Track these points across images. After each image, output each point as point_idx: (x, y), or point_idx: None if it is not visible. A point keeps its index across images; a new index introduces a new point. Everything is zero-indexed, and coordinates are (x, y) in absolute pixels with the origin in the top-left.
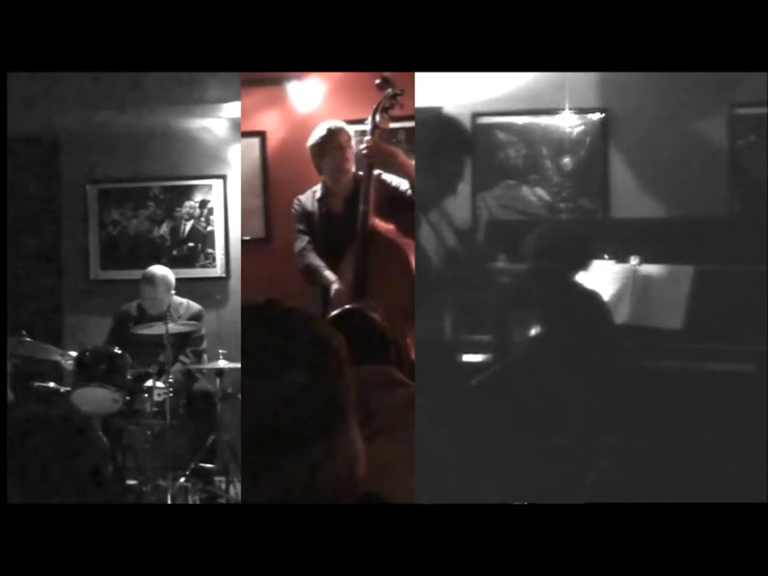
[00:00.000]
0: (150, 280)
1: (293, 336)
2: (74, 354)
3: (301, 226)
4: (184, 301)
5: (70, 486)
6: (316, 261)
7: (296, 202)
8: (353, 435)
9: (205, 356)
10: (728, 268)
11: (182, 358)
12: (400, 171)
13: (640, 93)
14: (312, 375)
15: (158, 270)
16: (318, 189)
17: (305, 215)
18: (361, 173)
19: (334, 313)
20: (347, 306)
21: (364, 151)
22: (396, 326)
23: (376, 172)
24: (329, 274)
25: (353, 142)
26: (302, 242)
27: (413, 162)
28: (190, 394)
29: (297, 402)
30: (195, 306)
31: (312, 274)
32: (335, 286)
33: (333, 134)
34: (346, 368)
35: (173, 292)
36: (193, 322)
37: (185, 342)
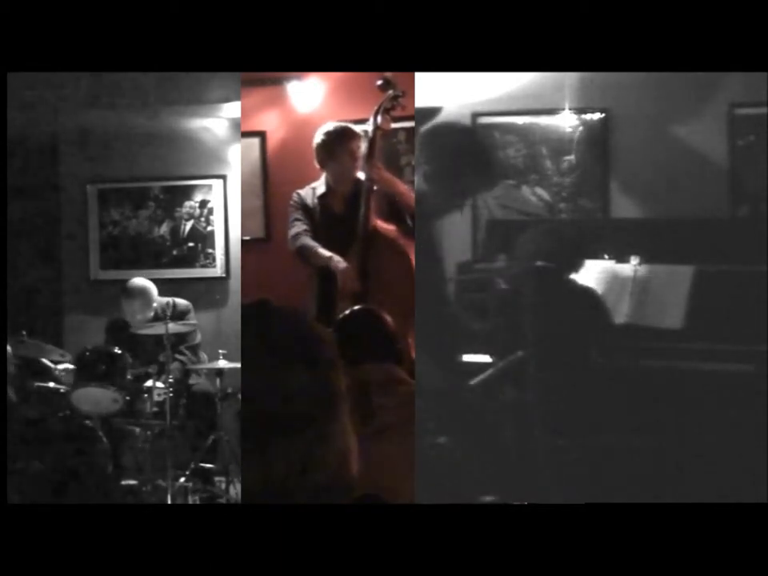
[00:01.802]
0: (129, 294)
1: (284, 330)
2: (66, 366)
3: (298, 215)
4: (169, 299)
5: (71, 486)
6: (311, 242)
7: (295, 195)
8: (344, 427)
9: (203, 354)
10: (728, 268)
11: (179, 356)
12: (398, 199)
13: (640, 93)
14: (307, 366)
15: (137, 282)
16: (318, 185)
17: (304, 209)
18: (362, 176)
19: (346, 312)
20: (356, 307)
21: (367, 174)
22: (397, 326)
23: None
24: (323, 251)
25: (363, 148)
26: (298, 228)
27: (413, 195)
28: (189, 394)
29: (293, 391)
30: (182, 302)
31: (307, 252)
32: (341, 266)
33: (345, 139)
34: (337, 360)
35: (154, 303)
36: (192, 322)
37: (179, 339)
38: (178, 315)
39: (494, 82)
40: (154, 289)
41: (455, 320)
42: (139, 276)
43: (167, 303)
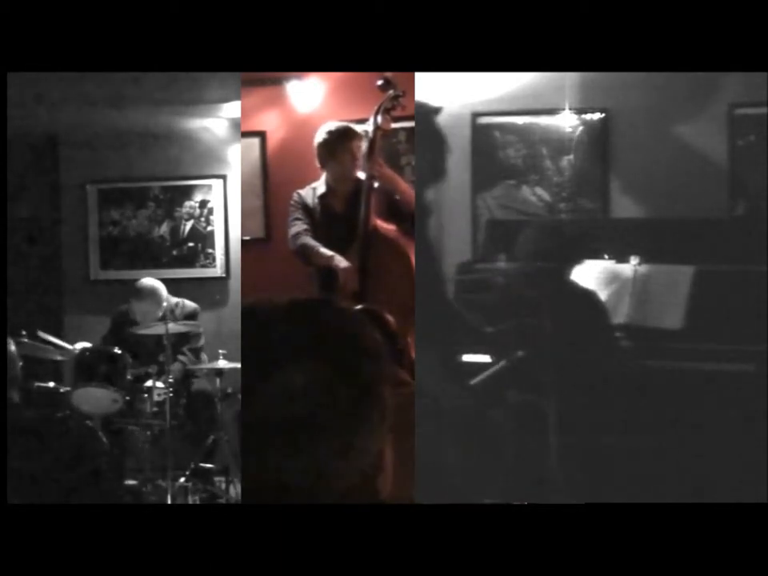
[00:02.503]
0: (139, 294)
1: (338, 336)
2: (76, 346)
3: (298, 215)
4: (179, 300)
5: (71, 485)
6: (311, 241)
7: (295, 195)
8: (370, 443)
9: (204, 355)
10: (728, 268)
11: (180, 357)
12: (399, 195)
13: (640, 93)
14: (334, 371)
15: (147, 282)
16: (318, 185)
17: (304, 208)
18: (362, 175)
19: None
20: (359, 307)
21: (368, 171)
22: (398, 326)
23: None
24: (324, 251)
25: (363, 148)
26: (298, 227)
27: (413, 192)
28: (189, 395)
29: (312, 395)
30: (190, 304)
31: (307, 251)
32: (341, 265)
33: (346, 138)
34: (374, 369)
35: (164, 303)
36: (192, 322)
37: (182, 340)
38: (185, 317)
39: (494, 81)
40: (163, 289)
41: (455, 320)
42: (139, 276)
43: (176, 304)
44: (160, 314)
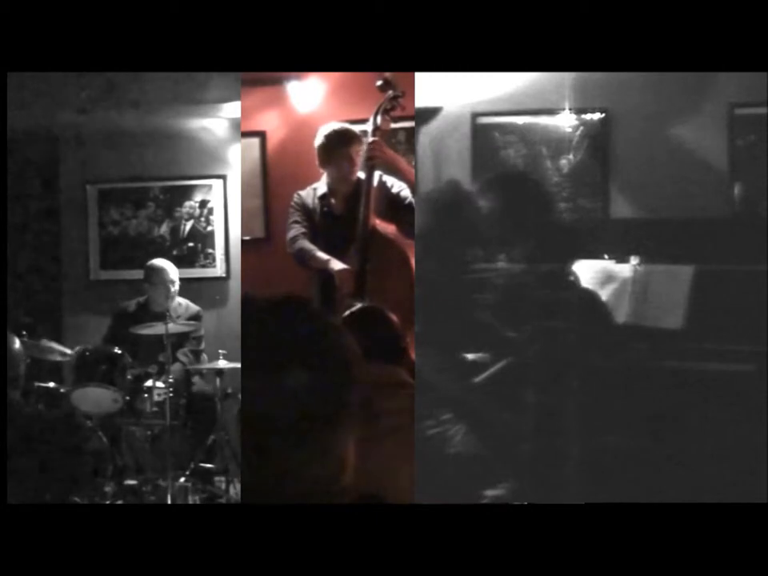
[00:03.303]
0: (159, 270)
1: (300, 331)
2: (73, 350)
3: (297, 218)
4: (183, 301)
5: (71, 485)
6: (308, 245)
7: (296, 196)
8: (341, 439)
9: (204, 356)
10: (728, 268)
11: (181, 357)
12: (400, 176)
13: (640, 93)
14: (313, 373)
15: (162, 261)
16: (319, 185)
17: (304, 210)
18: (362, 175)
19: (352, 309)
20: (364, 304)
21: (368, 153)
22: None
23: (377, 174)
24: (322, 255)
25: (362, 150)
26: (296, 231)
27: (413, 169)
28: (189, 394)
29: (296, 400)
30: (194, 306)
31: (304, 255)
32: (338, 267)
33: (343, 141)
34: (350, 371)
35: (177, 282)
36: (192, 322)
37: (183, 342)
38: (188, 318)
39: (494, 81)
40: (175, 270)
41: (455, 320)
42: (139, 276)
43: (179, 304)
44: (172, 298)
